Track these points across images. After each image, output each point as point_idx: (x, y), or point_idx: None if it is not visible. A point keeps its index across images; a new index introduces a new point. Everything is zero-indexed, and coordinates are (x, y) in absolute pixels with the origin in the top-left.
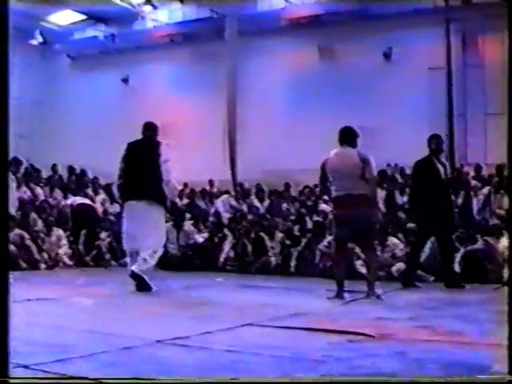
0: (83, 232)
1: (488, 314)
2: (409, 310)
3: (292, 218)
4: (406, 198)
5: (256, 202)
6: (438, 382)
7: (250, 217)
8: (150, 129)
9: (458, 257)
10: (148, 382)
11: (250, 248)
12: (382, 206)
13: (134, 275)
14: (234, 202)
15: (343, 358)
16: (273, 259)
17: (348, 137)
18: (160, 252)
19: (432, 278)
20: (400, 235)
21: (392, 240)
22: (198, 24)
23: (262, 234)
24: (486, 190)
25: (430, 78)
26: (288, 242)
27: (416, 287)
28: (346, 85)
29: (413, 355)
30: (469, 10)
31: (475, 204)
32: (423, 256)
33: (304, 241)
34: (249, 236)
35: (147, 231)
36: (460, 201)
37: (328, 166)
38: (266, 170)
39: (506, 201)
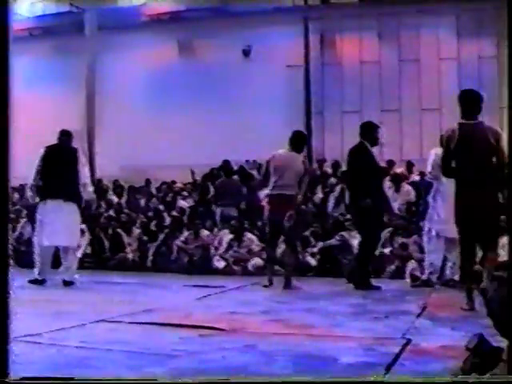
0: None
1: (340, 307)
2: (262, 304)
3: (150, 213)
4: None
5: (114, 198)
6: (438, 381)
7: (108, 213)
8: (66, 135)
9: (315, 250)
10: (148, 381)
11: (107, 244)
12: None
13: (66, 283)
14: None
15: (194, 351)
16: (130, 255)
17: (297, 141)
18: (79, 250)
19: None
20: (256, 231)
21: (248, 235)
22: (58, 18)
23: (119, 230)
24: (339, 186)
25: (288, 75)
26: (145, 237)
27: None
28: (205, 81)
29: (262, 348)
30: (327, 10)
31: (331, 200)
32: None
33: (161, 237)
34: (106, 232)
35: (64, 228)
36: (318, 197)
37: (272, 164)
38: (125, 166)
39: None
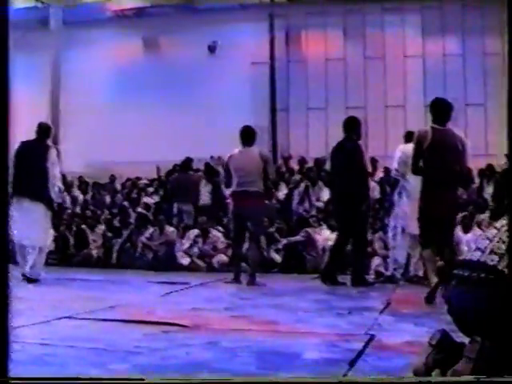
0: None
1: (304, 303)
2: (226, 300)
3: (114, 210)
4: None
5: (79, 195)
6: (438, 381)
7: (72, 210)
8: (43, 129)
9: (279, 247)
10: (151, 382)
11: (71, 241)
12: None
13: (30, 280)
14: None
15: (157, 348)
16: (94, 252)
17: (249, 137)
18: (45, 249)
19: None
20: (221, 228)
21: (213, 232)
22: (23, 13)
23: (83, 226)
24: (304, 183)
25: (253, 72)
26: (110, 234)
27: (340, 284)
28: (170, 77)
29: (226, 344)
30: (292, 7)
31: (296, 197)
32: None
33: (126, 233)
34: (70, 229)
35: (29, 228)
36: (282, 193)
37: (231, 163)
38: (89, 163)
39: (323, 193)
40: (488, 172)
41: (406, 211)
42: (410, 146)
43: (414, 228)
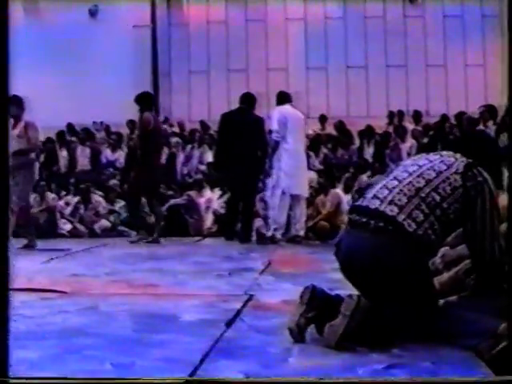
0: None
1: (185, 266)
2: (107, 265)
3: None
4: (116, 156)
5: None
6: (438, 381)
7: None
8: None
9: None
10: (150, 381)
11: None
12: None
13: None
14: None
15: (34, 315)
16: None
17: None
18: None
19: (134, 234)
20: (101, 193)
21: (95, 198)
22: None
23: None
24: (189, 146)
25: (135, 35)
26: None
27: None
28: (51, 42)
29: (103, 309)
30: None
31: (180, 160)
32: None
33: None
34: None
35: None
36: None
37: None
38: None
39: (207, 156)
40: (368, 133)
41: (287, 172)
42: (286, 107)
43: (295, 188)
